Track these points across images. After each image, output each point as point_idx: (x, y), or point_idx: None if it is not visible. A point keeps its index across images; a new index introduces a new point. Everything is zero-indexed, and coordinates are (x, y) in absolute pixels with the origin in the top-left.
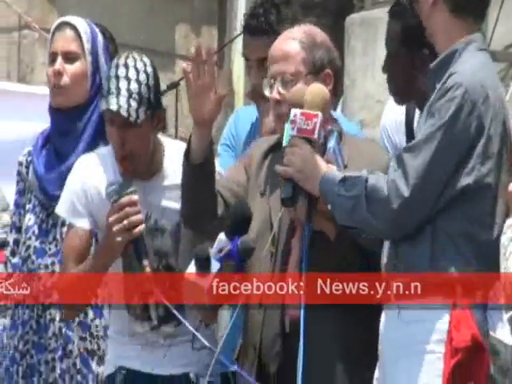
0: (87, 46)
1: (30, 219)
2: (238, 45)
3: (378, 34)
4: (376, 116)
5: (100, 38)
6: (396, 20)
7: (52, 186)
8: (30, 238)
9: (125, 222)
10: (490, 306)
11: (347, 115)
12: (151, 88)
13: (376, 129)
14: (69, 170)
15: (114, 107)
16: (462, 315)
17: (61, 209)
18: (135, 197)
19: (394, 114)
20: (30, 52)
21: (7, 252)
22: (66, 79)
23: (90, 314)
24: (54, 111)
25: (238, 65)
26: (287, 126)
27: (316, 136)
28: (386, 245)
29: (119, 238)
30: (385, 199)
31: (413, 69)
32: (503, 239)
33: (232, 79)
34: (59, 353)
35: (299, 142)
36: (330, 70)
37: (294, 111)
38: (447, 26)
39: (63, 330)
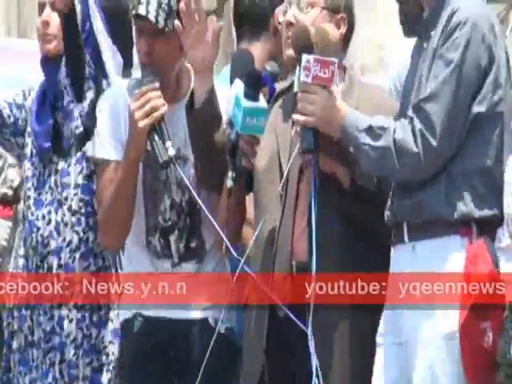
0: None
1: (28, 169)
2: None
3: None
4: (377, 60)
5: None
6: None
7: (43, 138)
8: (29, 189)
9: (146, 106)
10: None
11: (348, 60)
12: (180, 1)
13: (377, 72)
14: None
15: (142, 12)
16: (478, 250)
17: (90, 150)
18: (156, 83)
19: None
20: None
21: None
22: (53, 28)
23: None
24: (44, 61)
25: None
26: (297, 72)
27: (334, 84)
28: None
29: (142, 124)
30: (415, 152)
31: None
32: (509, 176)
33: None
34: None
35: (315, 88)
36: (344, 15)
37: (307, 57)
38: None
39: None
